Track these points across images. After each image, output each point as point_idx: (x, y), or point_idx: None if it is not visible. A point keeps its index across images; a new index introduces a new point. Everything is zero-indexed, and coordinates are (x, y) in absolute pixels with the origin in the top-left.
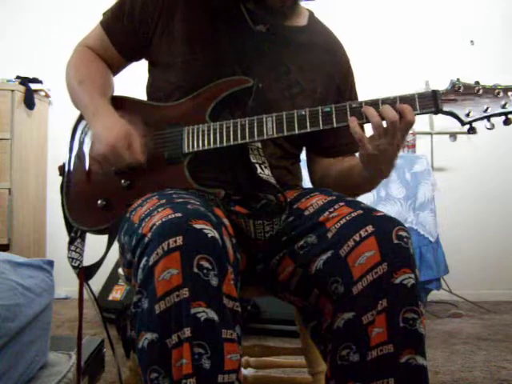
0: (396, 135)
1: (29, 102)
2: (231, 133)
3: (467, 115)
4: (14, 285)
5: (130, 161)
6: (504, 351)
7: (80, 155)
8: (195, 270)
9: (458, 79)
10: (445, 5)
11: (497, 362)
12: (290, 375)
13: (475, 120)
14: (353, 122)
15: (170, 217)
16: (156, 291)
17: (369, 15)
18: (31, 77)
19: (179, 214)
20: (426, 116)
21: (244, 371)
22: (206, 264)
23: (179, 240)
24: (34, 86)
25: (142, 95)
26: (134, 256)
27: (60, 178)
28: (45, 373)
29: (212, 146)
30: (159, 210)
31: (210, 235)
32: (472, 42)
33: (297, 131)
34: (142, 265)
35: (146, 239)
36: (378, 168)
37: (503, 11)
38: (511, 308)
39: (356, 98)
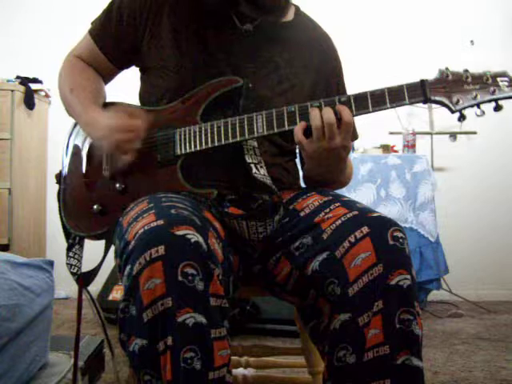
0: (334, 138)
1: (29, 101)
2: (222, 133)
3: (456, 103)
4: (14, 285)
5: (138, 125)
6: (504, 351)
7: (75, 162)
8: (180, 278)
9: (446, 68)
10: (445, 5)
11: (497, 362)
12: (289, 375)
13: (464, 108)
14: (299, 126)
15: (152, 225)
16: (142, 300)
17: (368, 16)
18: (31, 77)
19: (161, 222)
20: (426, 116)
21: (244, 371)
22: (190, 270)
23: (161, 250)
24: (34, 86)
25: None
26: (121, 261)
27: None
28: (45, 373)
29: (204, 146)
30: (144, 215)
31: (193, 240)
32: (472, 42)
33: (287, 127)
34: (126, 272)
35: (130, 247)
36: (323, 171)
37: (503, 11)
38: (511, 308)
39: (344, 91)
